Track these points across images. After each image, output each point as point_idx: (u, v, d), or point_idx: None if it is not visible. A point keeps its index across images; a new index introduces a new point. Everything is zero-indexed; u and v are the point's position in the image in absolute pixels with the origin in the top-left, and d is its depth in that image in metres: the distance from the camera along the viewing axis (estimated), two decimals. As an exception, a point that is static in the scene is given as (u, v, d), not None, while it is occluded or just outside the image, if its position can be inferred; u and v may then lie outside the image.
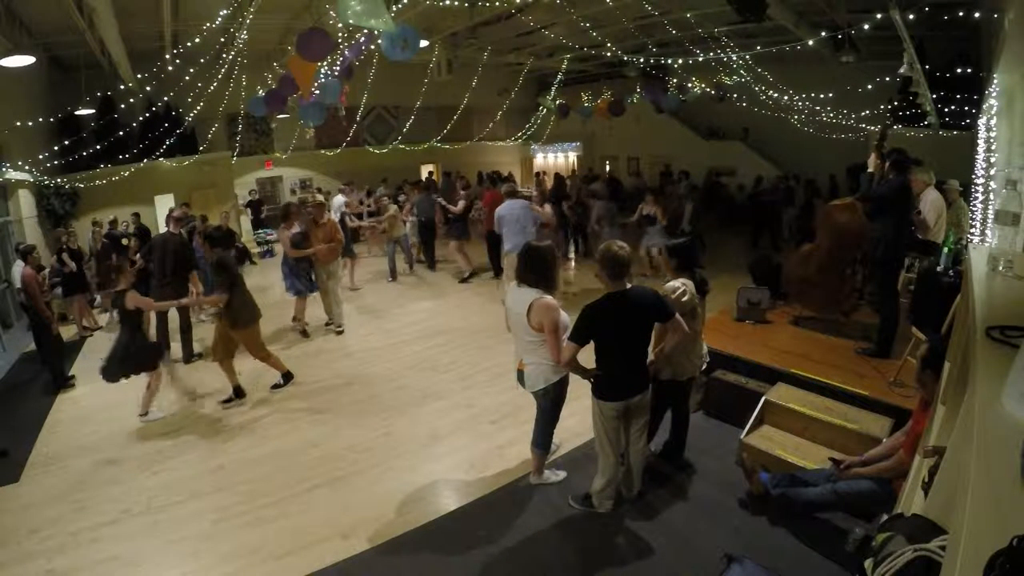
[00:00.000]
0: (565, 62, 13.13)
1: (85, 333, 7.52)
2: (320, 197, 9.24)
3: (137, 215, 9.61)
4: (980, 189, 5.07)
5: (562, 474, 3.75)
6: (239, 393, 5.15)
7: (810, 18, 8.53)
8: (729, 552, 2.56)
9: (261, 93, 8.95)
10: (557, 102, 14.67)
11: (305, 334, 6.88)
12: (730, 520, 3.29)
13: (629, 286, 3.03)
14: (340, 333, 6.92)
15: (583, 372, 3.14)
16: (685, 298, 3.33)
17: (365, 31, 6.79)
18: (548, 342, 3.15)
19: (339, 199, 10.25)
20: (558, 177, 13.51)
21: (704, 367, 3.91)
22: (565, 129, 17.22)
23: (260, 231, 12.84)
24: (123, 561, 3.19)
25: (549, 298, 3.20)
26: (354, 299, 8.28)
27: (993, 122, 4.70)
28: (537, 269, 3.26)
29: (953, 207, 5.78)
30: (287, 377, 5.43)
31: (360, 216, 11.17)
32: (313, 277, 6.79)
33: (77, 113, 9.55)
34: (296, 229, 6.65)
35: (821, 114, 10.93)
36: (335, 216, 9.38)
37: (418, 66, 11.67)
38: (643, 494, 3.49)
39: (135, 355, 4.71)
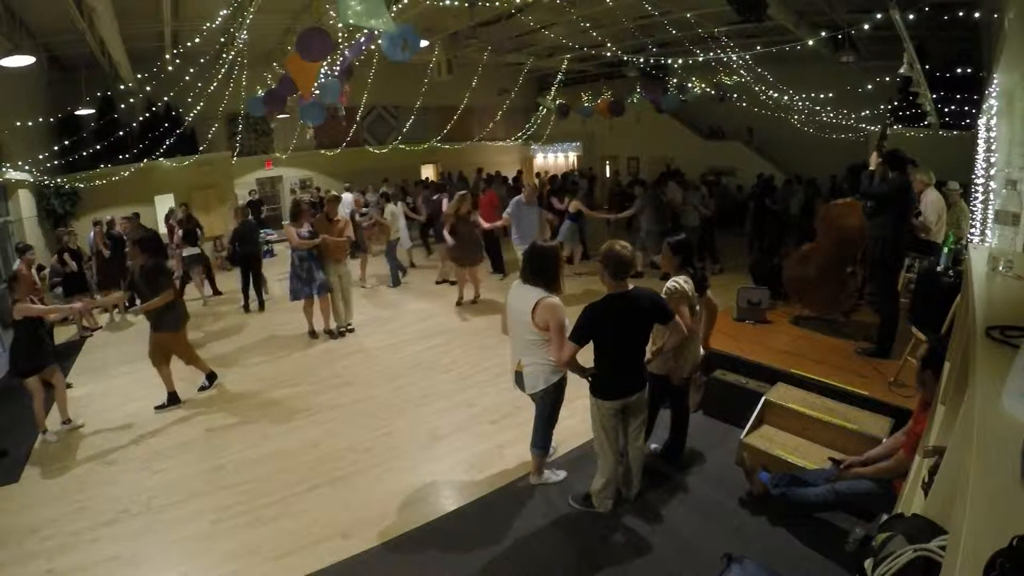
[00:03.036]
0: (565, 62, 13.13)
1: (85, 333, 7.51)
2: (334, 193, 9.23)
3: (137, 215, 9.61)
4: (980, 189, 5.07)
5: (562, 474, 3.75)
6: (173, 399, 5.12)
7: (810, 18, 8.53)
8: (729, 552, 2.56)
9: (261, 93, 8.95)
10: (557, 102, 14.67)
11: (313, 335, 6.78)
12: (730, 520, 3.29)
13: (631, 287, 3.04)
14: (350, 332, 6.86)
15: (581, 371, 3.14)
16: (677, 294, 3.34)
17: (365, 31, 6.79)
18: (553, 340, 3.15)
19: (347, 197, 10.25)
20: (555, 178, 13.34)
21: (698, 366, 3.89)
22: (565, 129, 17.22)
23: (260, 231, 12.83)
24: (123, 561, 3.19)
25: (555, 298, 3.20)
26: (354, 299, 8.27)
27: (993, 122, 4.70)
28: (541, 269, 3.26)
29: (953, 208, 5.78)
30: (211, 378, 5.43)
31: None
32: (318, 278, 6.50)
33: (77, 113, 9.56)
34: (306, 228, 6.51)
35: (821, 114, 10.93)
36: (345, 214, 9.38)
37: (418, 66, 11.67)
38: (643, 494, 3.49)
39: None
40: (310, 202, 9.09)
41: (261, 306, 8.09)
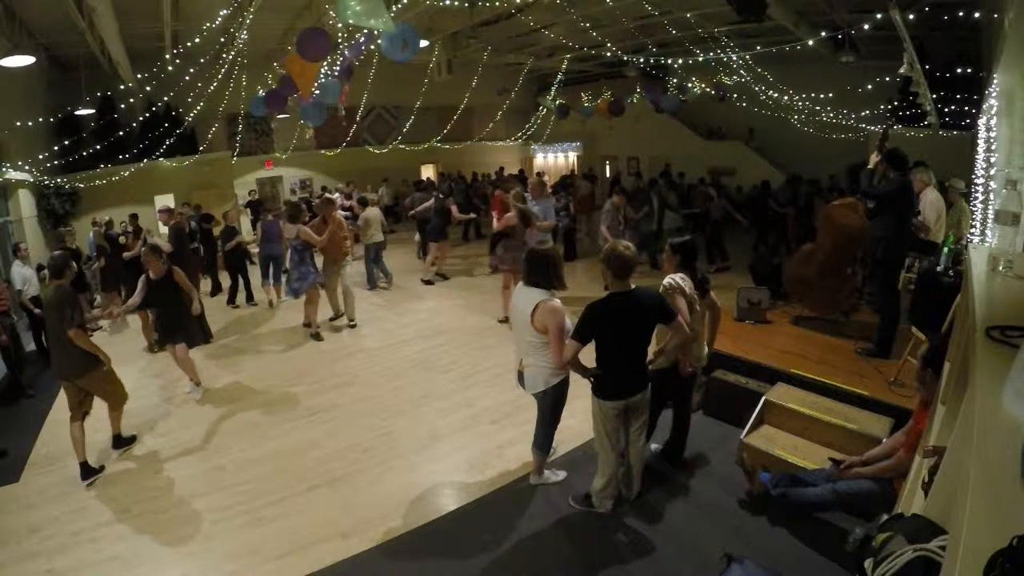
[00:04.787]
0: (565, 62, 13.14)
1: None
2: (328, 195, 9.24)
3: (135, 215, 9.58)
4: (980, 189, 5.06)
5: (562, 474, 3.75)
6: (87, 472, 3.99)
7: (810, 18, 8.54)
8: (729, 552, 2.56)
9: (261, 93, 8.94)
10: (557, 102, 14.67)
11: (318, 337, 6.72)
12: (730, 520, 3.29)
13: (633, 286, 3.04)
14: (352, 327, 7.01)
15: (583, 371, 3.14)
16: (672, 287, 3.36)
17: (365, 31, 6.79)
18: (551, 344, 3.15)
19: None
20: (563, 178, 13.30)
21: (703, 366, 3.90)
22: (565, 129, 17.23)
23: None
24: (123, 561, 3.19)
25: (556, 301, 3.20)
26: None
27: (993, 122, 4.69)
28: (540, 272, 3.27)
29: (954, 208, 5.76)
30: (119, 441, 4.38)
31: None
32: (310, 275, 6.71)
33: (77, 113, 9.56)
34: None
35: (821, 114, 10.93)
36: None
37: (418, 66, 11.69)
38: (643, 494, 3.49)
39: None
40: (304, 202, 9.15)
41: (249, 298, 8.33)
